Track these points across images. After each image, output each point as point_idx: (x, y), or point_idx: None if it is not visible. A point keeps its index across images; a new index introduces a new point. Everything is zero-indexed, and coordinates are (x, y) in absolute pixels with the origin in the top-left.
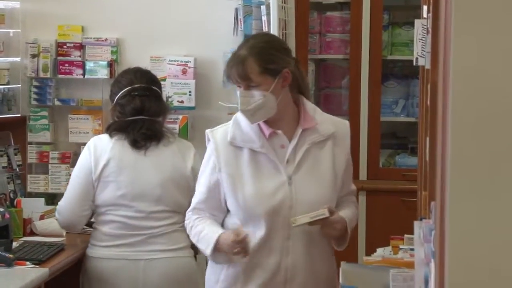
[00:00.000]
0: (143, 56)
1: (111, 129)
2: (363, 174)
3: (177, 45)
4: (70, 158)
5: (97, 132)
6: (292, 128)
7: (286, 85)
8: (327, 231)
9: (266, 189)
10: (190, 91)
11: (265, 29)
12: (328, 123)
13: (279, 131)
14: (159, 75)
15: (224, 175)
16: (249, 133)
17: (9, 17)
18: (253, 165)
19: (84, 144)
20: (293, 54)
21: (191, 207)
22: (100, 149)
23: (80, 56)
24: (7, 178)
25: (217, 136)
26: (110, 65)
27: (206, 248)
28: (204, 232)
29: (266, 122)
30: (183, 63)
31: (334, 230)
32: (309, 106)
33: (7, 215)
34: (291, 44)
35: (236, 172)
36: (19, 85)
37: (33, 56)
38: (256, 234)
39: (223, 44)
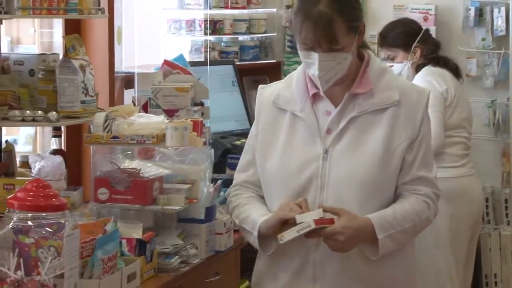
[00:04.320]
0: (387, 5)
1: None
2: None
3: None
4: None
5: None
6: (344, 91)
7: (360, 41)
8: (329, 243)
9: (292, 164)
10: None
11: None
12: (392, 90)
13: (323, 94)
14: None
15: (259, 142)
16: (294, 93)
17: None
18: (290, 132)
19: None
20: None
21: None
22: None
23: None
24: None
25: (265, 94)
26: None
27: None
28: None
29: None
30: (424, 11)
31: (337, 242)
32: (376, 66)
33: None
34: None
35: (271, 139)
36: (275, 34)
37: (288, 7)
38: None
39: None
